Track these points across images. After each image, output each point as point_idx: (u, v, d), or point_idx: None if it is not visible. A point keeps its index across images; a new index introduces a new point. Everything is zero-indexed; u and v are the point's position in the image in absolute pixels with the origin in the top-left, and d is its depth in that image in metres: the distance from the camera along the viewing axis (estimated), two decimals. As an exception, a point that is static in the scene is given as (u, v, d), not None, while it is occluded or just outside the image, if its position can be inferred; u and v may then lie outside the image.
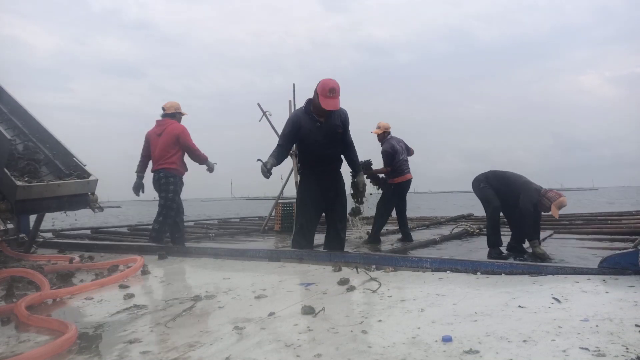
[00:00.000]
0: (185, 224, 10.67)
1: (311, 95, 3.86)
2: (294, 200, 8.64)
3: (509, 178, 4.83)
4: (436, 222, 8.69)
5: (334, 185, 4.09)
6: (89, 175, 4.16)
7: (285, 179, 9.09)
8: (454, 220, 9.29)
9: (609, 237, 5.83)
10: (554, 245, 5.51)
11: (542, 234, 6.06)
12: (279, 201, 8.87)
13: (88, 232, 8.73)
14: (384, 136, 6.55)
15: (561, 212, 4.57)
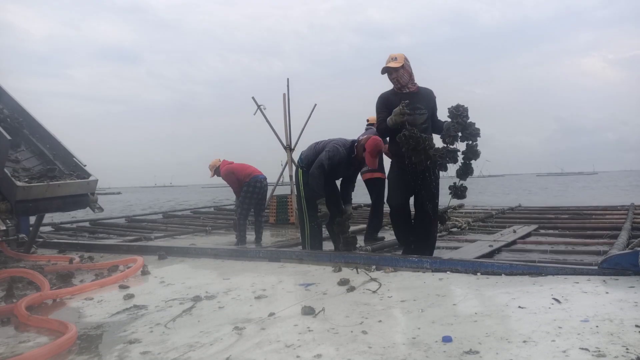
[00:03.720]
0: (182, 213, 10.72)
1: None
2: (288, 193, 8.60)
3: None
4: None
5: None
6: (88, 175, 4.16)
7: (281, 170, 9.04)
8: (445, 212, 9.30)
9: (589, 233, 5.95)
10: (534, 239, 5.52)
11: (527, 229, 6.07)
12: (274, 194, 8.80)
13: (87, 224, 8.73)
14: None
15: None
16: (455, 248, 4.67)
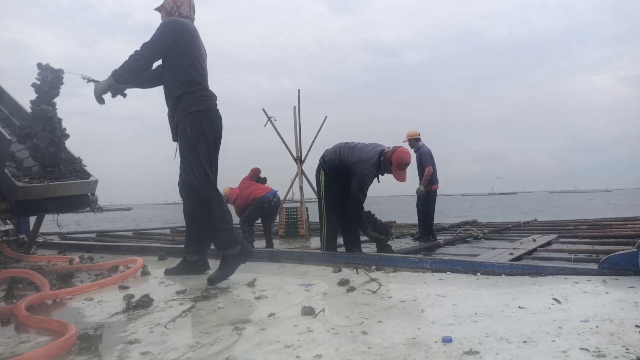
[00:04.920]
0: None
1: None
2: (298, 204, 8.63)
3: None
4: (440, 228, 8.69)
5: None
6: (89, 175, 4.17)
7: (290, 183, 9.09)
8: (458, 226, 9.38)
9: (612, 240, 5.78)
10: (555, 246, 5.49)
11: (547, 237, 6.01)
12: (283, 206, 8.83)
13: (93, 235, 8.75)
14: (415, 142, 6.83)
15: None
16: (474, 255, 4.48)
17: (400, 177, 3.95)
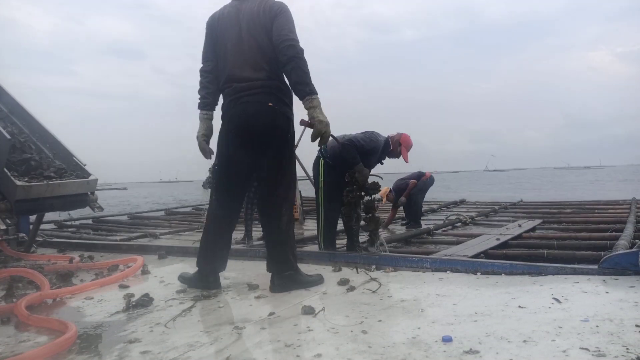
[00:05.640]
0: (183, 209, 10.75)
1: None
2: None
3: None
4: (429, 210, 8.77)
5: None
6: (88, 174, 4.16)
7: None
8: (447, 206, 9.52)
9: (594, 226, 6.08)
10: (540, 232, 5.67)
11: (532, 223, 6.14)
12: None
13: (89, 221, 8.74)
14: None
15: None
16: (462, 242, 4.69)
17: (406, 158, 4.59)
